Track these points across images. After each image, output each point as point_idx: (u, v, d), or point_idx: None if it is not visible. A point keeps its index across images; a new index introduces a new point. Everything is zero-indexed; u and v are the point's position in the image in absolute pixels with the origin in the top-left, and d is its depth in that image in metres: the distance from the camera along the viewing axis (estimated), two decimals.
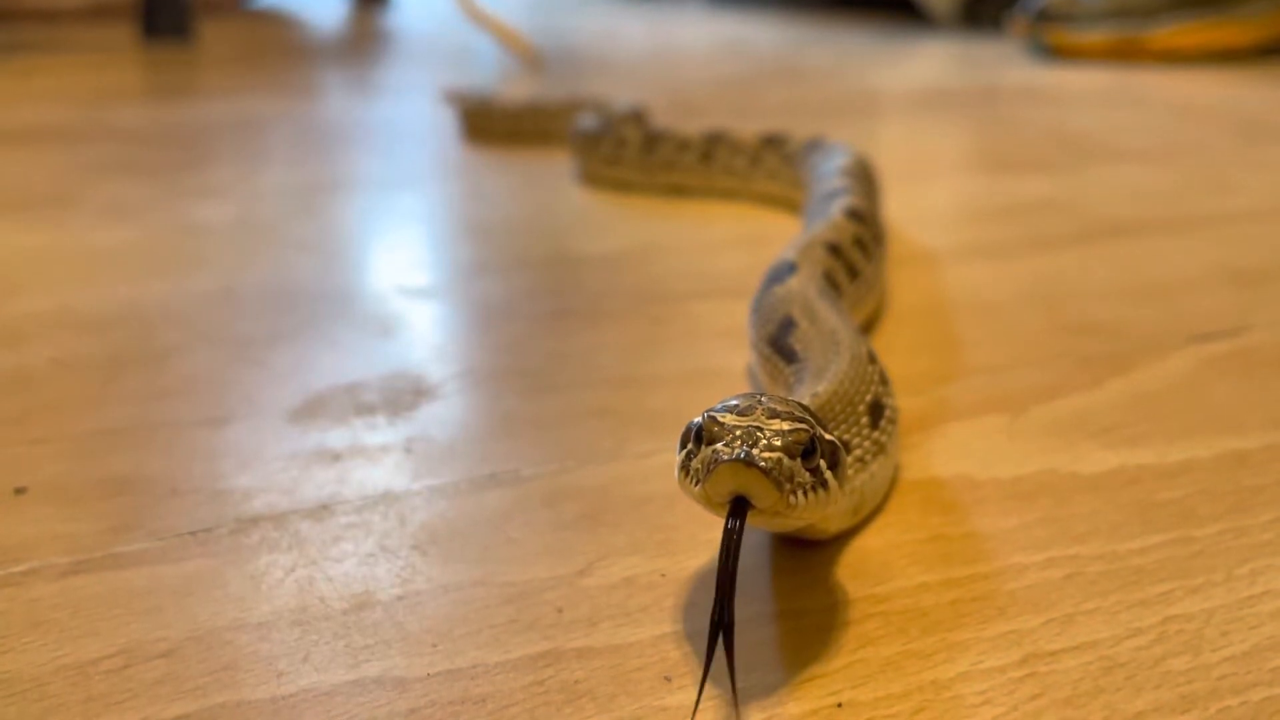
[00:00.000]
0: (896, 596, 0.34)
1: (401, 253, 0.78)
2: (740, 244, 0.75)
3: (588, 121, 0.96)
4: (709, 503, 0.30)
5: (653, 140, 0.89)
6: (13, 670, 0.31)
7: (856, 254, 0.55)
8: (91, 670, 0.31)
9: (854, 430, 0.37)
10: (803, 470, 0.30)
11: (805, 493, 0.30)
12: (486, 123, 1.19)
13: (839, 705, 0.29)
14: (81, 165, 1.06)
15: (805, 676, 0.30)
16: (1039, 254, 0.71)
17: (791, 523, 0.31)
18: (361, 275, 0.73)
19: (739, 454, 0.29)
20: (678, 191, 0.88)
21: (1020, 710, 0.29)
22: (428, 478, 0.42)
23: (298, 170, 1.04)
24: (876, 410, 0.38)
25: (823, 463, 0.31)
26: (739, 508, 0.29)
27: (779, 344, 0.44)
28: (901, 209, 0.79)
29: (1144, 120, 1.25)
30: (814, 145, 0.81)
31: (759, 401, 0.31)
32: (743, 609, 0.33)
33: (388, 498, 0.40)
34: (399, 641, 0.32)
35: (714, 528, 0.37)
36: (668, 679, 0.30)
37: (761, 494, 0.29)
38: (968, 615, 0.33)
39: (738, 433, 0.30)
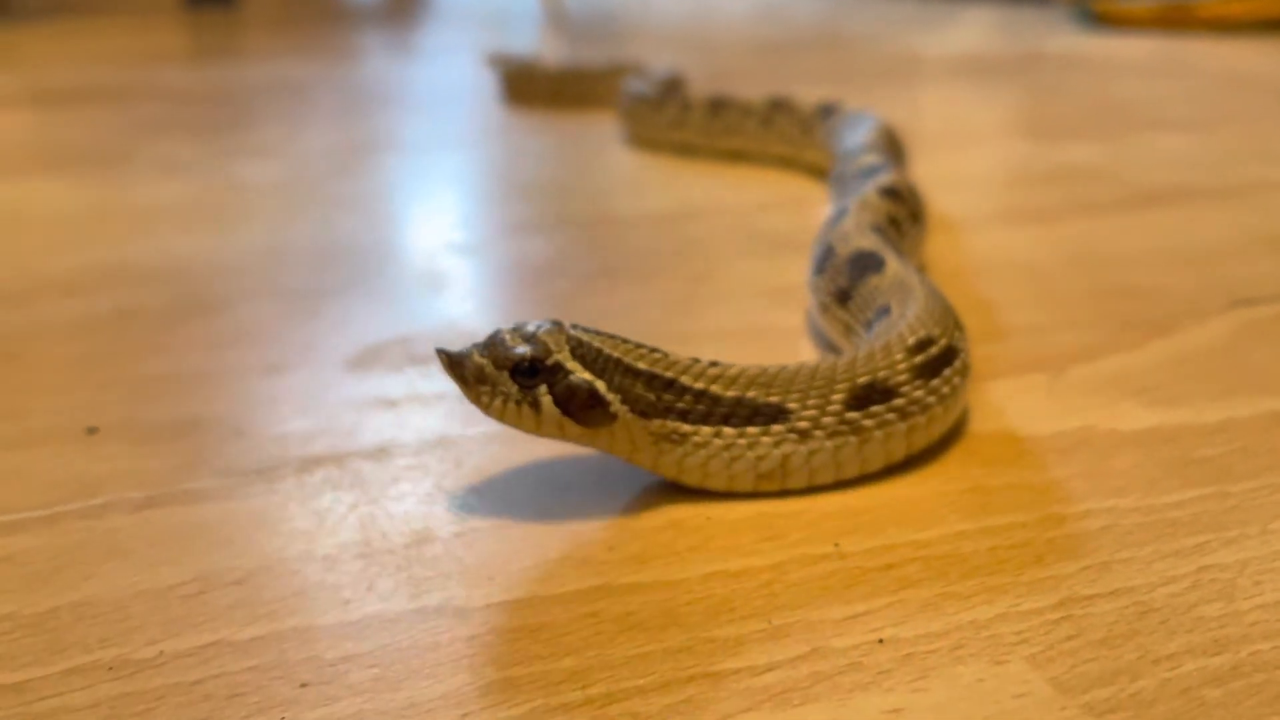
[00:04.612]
0: (936, 543, 0.35)
1: (446, 212, 0.79)
2: (782, 206, 0.76)
3: (643, 86, 0.97)
4: None
5: (718, 105, 0.90)
6: (95, 594, 0.33)
7: (893, 233, 0.55)
8: (170, 595, 0.33)
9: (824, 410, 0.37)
10: (509, 382, 0.36)
11: (505, 401, 0.36)
12: (528, 85, 1.20)
13: (880, 641, 0.30)
14: (131, 124, 1.08)
15: (848, 614, 0.31)
16: (1080, 219, 0.71)
17: (535, 433, 0.37)
18: (408, 233, 0.75)
19: (448, 349, 0.37)
20: (738, 157, 0.89)
21: (1056, 649, 0.30)
22: (480, 424, 0.43)
23: (341, 131, 1.06)
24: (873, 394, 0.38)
25: (544, 388, 0.35)
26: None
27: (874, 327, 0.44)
28: (943, 174, 0.80)
29: (1189, 89, 1.23)
30: (828, 111, 0.82)
31: (542, 328, 0.37)
32: (788, 550, 0.35)
33: (443, 442, 0.42)
34: (458, 574, 0.34)
35: None
36: (717, 613, 0.32)
37: (455, 381, 0.36)
38: (1006, 561, 0.34)
39: (486, 339, 0.37)
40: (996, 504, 0.37)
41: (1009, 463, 0.40)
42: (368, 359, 0.49)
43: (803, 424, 0.37)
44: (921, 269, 0.61)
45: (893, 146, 0.71)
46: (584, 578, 0.33)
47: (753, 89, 0.95)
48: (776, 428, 0.37)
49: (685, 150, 0.92)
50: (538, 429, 0.36)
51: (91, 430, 0.43)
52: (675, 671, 0.29)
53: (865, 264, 0.46)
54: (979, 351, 0.49)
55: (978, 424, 0.43)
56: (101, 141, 1.00)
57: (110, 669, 0.30)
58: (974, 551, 0.34)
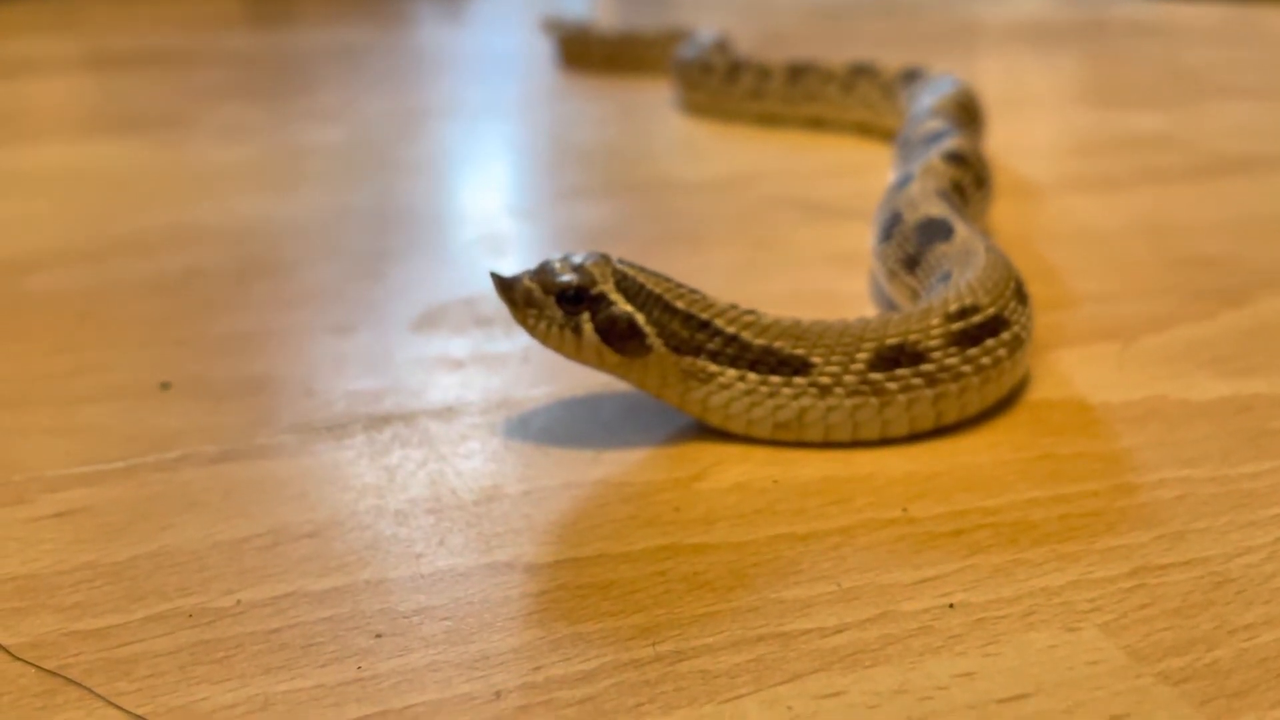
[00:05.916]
0: (1006, 509, 0.35)
1: (506, 176, 0.79)
2: (844, 172, 0.75)
3: (706, 55, 0.95)
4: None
5: (797, 71, 0.88)
6: (172, 544, 0.34)
7: (957, 198, 0.55)
8: (244, 546, 0.33)
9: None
10: (555, 307, 0.37)
11: (549, 325, 0.37)
12: (583, 50, 1.20)
13: (951, 605, 0.30)
14: (194, 88, 1.09)
15: (918, 578, 0.31)
16: (1150, 188, 0.70)
17: (575, 358, 0.38)
18: (468, 196, 0.75)
19: (503, 273, 0.39)
20: (817, 124, 0.88)
21: (1129, 618, 0.30)
22: (545, 385, 0.43)
23: (399, 96, 1.06)
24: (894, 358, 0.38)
25: (587, 316, 0.37)
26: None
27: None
28: (1008, 141, 0.78)
29: (1260, 57, 1.20)
30: (912, 75, 0.81)
31: (590, 259, 0.38)
32: (855, 514, 0.34)
33: (509, 402, 0.42)
34: (527, 531, 0.34)
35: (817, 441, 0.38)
36: (785, 575, 0.32)
37: (506, 304, 0.38)
38: (1078, 529, 0.34)
39: (537, 266, 0.38)
40: (1067, 472, 0.37)
41: (1079, 431, 0.39)
42: (432, 320, 0.50)
43: (824, 379, 0.37)
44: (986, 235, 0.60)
45: (966, 111, 0.70)
46: (651, 537, 0.33)
47: (806, 54, 0.94)
48: (799, 380, 0.37)
49: (763, 120, 0.90)
50: (577, 354, 0.38)
51: (165, 386, 0.44)
52: (744, 631, 0.29)
53: (934, 231, 0.46)
54: (1046, 319, 0.49)
55: (1046, 392, 0.42)
56: (164, 105, 1.01)
57: (189, 616, 0.30)
58: (1045, 519, 0.34)
